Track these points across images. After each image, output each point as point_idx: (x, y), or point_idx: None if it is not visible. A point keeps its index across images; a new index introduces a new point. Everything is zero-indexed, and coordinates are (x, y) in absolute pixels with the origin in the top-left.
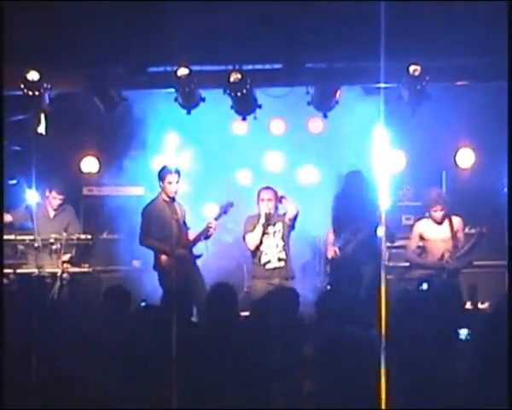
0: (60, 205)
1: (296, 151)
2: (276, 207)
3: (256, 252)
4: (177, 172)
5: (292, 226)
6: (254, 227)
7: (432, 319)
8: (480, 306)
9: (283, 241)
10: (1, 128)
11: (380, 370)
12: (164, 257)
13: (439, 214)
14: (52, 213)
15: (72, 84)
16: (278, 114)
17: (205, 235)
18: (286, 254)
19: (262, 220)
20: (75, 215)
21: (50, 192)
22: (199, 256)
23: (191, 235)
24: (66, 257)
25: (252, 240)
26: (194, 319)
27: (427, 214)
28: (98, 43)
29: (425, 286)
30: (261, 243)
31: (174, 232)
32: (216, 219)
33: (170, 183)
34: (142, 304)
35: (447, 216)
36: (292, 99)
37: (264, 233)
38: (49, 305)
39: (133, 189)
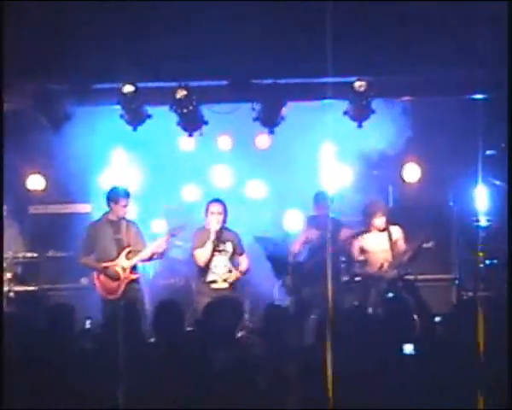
0: None
1: (243, 166)
2: (225, 221)
3: (203, 269)
4: (128, 194)
5: (240, 254)
6: (204, 243)
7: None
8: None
9: (231, 262)
10: (1, 129)
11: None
12: (101, 277)
13: (381, 221)
14: None
15: (18, 101)
16: (225, 130)
17: (147, 259)
18: (231, 277)
19: (212, 237)
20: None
21: None
22: (136, 279)
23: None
24: (10, 275)
25: (201, 256)
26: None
27: (370, 227)
28: (43, 58)
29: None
30: (210, 260)
31: (111, 252)
32: (167, 238)
33: (121, 205)
34: (87, 322)
35: (387, 226)
36: (239, 115)
37: (213, 250)
38: None
39: (80, 206)
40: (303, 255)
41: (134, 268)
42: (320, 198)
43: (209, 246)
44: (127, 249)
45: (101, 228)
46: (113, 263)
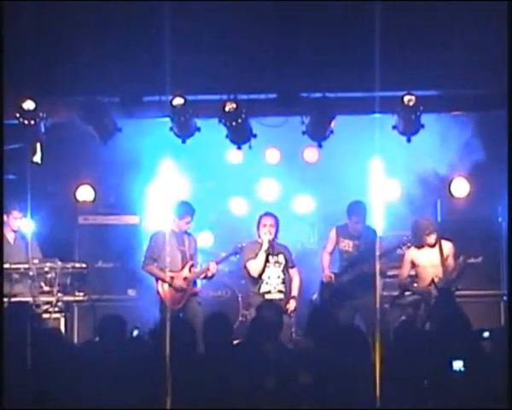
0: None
1: (291, 180)
2: (276, 235)
3: (256, 280)
4: (194, 211)
5: (292, 267)
6: (256, 254)
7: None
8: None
9: (284, 274)
10: (1, 133)
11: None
12: (164, 286)
13: (432, 238)
14: (11, 239)
15: (68, 113)
16: (273, 143)
17: (203, 276)
18: (285, 288)
19: (265, 247)
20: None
21: (9, 215)
22: (197, 292)
23: (193, 270)
24: (60, 286)
25: (255, 267)
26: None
27: (421, 243)
28: (94, 72)
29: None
30: (263, 271)
31: (176, 263)
32: (217, 263)
33: (187, 223)
34: (135, 332)
35: (438, 241)
36: (287, 128)
37: (266, 260)
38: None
39: (128, 217)
40: (339, 266)
41: (194, 282)
42: (354, 208)
43: (262, 256)
44: (191, 262)
45: (165, 237)
46: (178, 274)
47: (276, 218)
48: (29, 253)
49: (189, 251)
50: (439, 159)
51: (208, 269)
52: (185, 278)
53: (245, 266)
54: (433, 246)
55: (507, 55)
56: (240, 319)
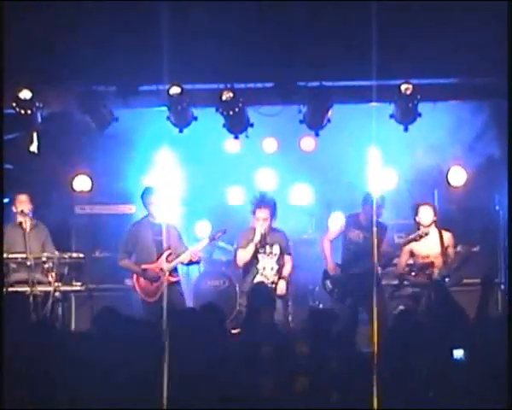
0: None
1: (288, 169)
2: (271, 223)
3: (249, 270)
4: (153, 193)
5: (288, 254)
6: (248, 244)
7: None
8: None
9: (278, 265)
10: (1, 129)
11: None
12: (140, 279)
13: (432, 226)
14: (27, 230)
15: (64, 102)
16: (271, 133)
17: (185, 263)
18: (279, 279)
19: (256, 239)
20: (49, 234)
21: (15, 201)
22: (176, 281)
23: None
24: (57, 275)
25: (242, 257)
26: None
27: (419, 231)
28: (90, 61)
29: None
30: (257, 261)
31: (151, 254)
32: (200, 249)
33: (151, 204)
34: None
35: (438, 231)
36: (284, 118)
37: (256, 252)
38: (41, 323)
39: (125, 207)
40: (344, 256)
41: (175, 271)
42: (370, 199)
43: (251, 248)
44: (168, 252)
45: (139, 229)
46: (153, 265)
47: (271, 208)
48: (47, 244)
49: (168, 241)
50: (435, 147)
51: (192, 257)
52: (161, 269)
53: (235, 254)
54: (432, 235)
55: (507, 54)
56: (238, 308)
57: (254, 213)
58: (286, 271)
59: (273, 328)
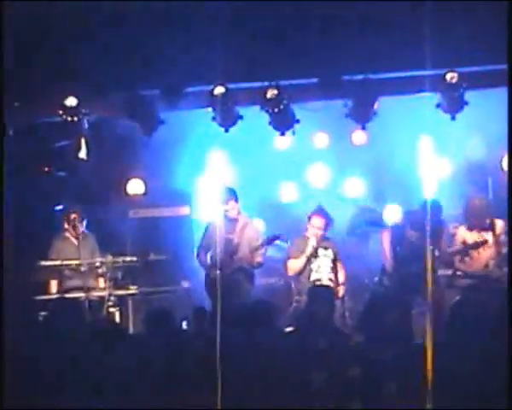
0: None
1: (341, 164)
2: (325, 234)
3: (305, 269)
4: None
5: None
6: (301, 252)
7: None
8: None
9: (333, 265)
10: (1, 129)
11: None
12: (211, 275)
13: (486, 222)
14: (75, 240)
15: (111, 108)
16: (322, 128)
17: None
18: (335, 277)
19: (308, 251)
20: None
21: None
22: (251, 275)
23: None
24: (111, 280)
25: (293, 267)
26: None
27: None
28: (133, 65)
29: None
30: (310, 263)
31: (221, 251)
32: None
33: (232, 208)
34: (184, 324)
35: (490, 220)
36: (334, 112)
37: (307, 263)
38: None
39: (179, 209)
40: (401, 253)
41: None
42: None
43: (303, 260)
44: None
45: (215, 226)
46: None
47: (326, 218)
48: (95, 252)
49: (238, 238)
50: (487, 135)
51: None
52: (231, 265)
53: (285, 263)
54: (487, 229)
55: (507, 54)
56: (294, 305)
57: (310, 219)
58: (341, 277)
59: (331, 325)
